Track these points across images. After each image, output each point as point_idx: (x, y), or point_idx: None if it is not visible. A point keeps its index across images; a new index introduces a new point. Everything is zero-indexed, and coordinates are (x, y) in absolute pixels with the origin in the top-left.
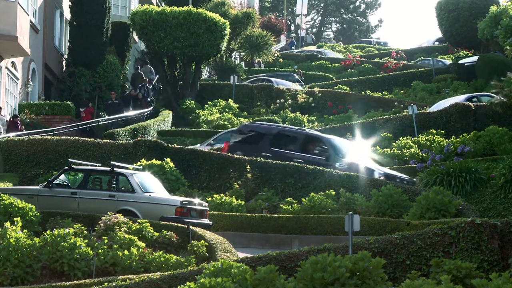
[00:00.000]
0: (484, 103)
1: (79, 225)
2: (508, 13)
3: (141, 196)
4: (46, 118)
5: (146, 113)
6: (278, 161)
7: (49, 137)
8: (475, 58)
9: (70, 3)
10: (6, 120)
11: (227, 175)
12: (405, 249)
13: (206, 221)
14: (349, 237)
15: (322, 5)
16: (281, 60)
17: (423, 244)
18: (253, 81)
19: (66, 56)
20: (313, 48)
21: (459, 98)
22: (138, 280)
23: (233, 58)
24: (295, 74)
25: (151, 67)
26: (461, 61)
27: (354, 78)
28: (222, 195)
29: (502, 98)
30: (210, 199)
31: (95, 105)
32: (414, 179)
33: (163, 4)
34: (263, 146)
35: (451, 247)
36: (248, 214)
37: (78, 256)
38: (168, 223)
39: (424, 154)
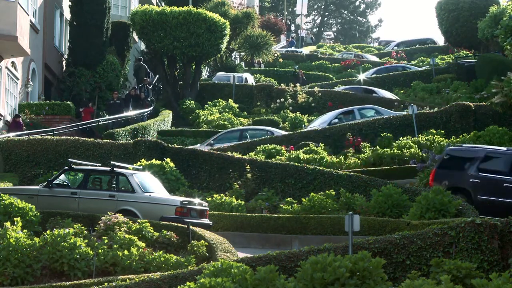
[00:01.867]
0: (358, 120)
1: (79, 225)
2: (508, 13)
3: (141, 196)
4: (46, 118)
5: (146, 113)
6: (278, 161)
7: (49, 137)
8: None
9: (70, 3)
10: (7, 121)
11: (227, 175)
12: (405, 249)
13: (206, 221)
14: (349, 237)
15: (321, 5)
16: (281, 60)
17: (423, 244)
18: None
19: (66, 56)
20: (354, 50)
21: (329, 116)
22: (138, 280)
23: (233, 58)
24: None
25: (152, 73)
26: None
27: (354, 78)
28: (222, 195)
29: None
30: (210, 199)
31: (95, 105)
32: None
33: (163, 4)
34: (470, 172)
35: (451, 247)
36: (248, 214)
37: (78, 256)
38: (168, 223)
39: (424, 154)
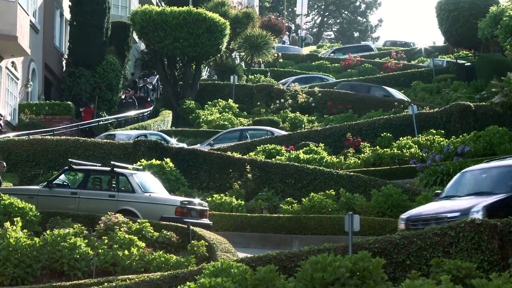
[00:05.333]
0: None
1: (79, 225)
2: (508, 13)
3: (141, 196)
4: (46, 118)
5: (146, 113)
6: (278, 161)
7: (49, 137)
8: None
9: (70, 3)
10: (7, 120)
11: (227, 175)
12: (405, 249)
13: (206, 221)
14: (349, 237)
15: (321, 5)
16: (281, 60)
17: (423, 244)
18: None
19: (66, 56)
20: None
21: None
22: (138, 280)
23: (233, 58)
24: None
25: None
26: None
27: (354, 78)
28: (222, 195)
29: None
30: (210, 199)
31: (95, 105)
32: None
33: (163, 4)
34: None
35: (451, 247)
36: (248, 214)
37: (78, 256)
38: (168, 223)
39: (424, 154)
